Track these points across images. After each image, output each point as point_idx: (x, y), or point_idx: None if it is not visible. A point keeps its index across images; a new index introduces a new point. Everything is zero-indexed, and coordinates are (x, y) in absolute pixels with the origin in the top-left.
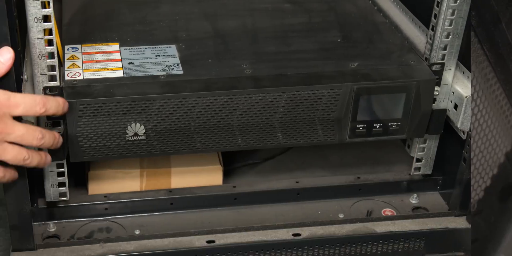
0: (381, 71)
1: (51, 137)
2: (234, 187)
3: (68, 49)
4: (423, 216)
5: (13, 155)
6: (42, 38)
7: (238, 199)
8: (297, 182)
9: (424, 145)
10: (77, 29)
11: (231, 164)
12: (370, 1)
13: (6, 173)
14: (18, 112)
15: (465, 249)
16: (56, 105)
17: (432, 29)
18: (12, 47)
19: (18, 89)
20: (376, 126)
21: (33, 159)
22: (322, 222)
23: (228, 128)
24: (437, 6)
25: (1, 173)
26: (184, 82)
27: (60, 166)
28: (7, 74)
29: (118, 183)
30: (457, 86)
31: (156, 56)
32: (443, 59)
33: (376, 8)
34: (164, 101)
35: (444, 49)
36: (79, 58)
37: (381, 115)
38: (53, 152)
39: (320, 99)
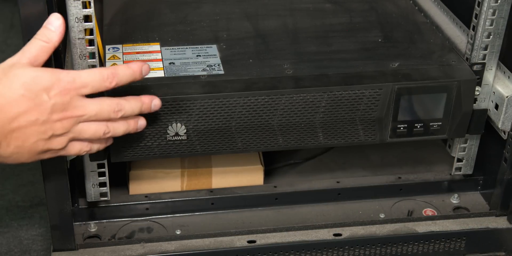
0: (422, 71)
1: (133, 105)
2: (275, 187)
3: (109, 49)
4: (464, 216)
5: (91, 133)
6: (83, 38)
7: (279, 199)
8: (338, 182)
9: (465, 145)
10: (118, 29)
11: (272, 164)
12: (411, 1)
13: (93, 145)
14: (87, 91)
15: (506, 249)
16: (129, 73)
17: (473, 29)
18: None
19: None
20: (417, 126)
21: (116, 130)
22: (363, 222)
23: (269, 128)
24: (478, 6)
25: (85, 147)
26: (225, 82)
27: (101, 166)
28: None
29: (159, 183)
30: (498, 86)
31: (197, 56)
32: (484, 59)
33: (417, 8)
34: (205, 101)
35: (485, 49)
36: (120, 58)
37: (422, 115)
38: (94, 153)
39: (361, 99)
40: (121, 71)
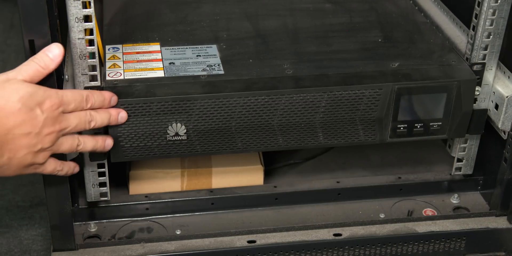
0: (422, 71)
1: (102, 116)
2: (275, 187)
3: (109, 49)
4: (464, 216)
5: (68, 146)
6: (83, 38)
7: (279, 199)
8: (338, 182)
9: (465, 145)
10: (118, 29)
11: (272, 164)
12: (411, 1)
13: (64, 166)
14: (69, 109)
15: (506, 249)
16: (101, 99)
17: (473, 29)
18: None
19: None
20: (417, 126)
21: (86, 144)
22: (363, 222)
23: (269, 128)
24: (478, 6)
25: (58, 167)
26: (225, 82)
27: (101, 166)
28: (48, 74)
29: (159, 183)
30: (498, 86)
31: (197, 56)
32: (484, 59)
33: (417, 8)
34: (205, 101)
35: (485, 49)
36: (120, 58)
37: (422, 115)
38: (94, 152)
39: (361, 99)
40: (95, 95)
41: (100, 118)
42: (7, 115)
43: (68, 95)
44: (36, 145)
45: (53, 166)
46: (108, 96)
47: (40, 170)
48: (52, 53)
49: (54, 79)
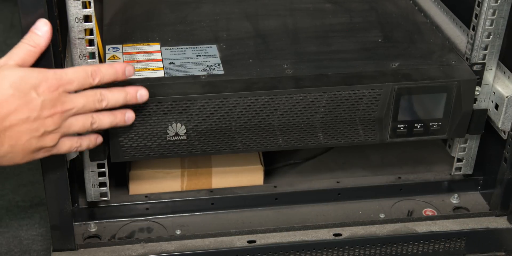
0: (422, 71)
1: (116, 95)
2: (275, 187)
3: (109, 49)
4: (464, 216)
5: (80, 125)
6: (83, 38)
7: (279, 199)
8: (338, 182)
9: (465, 145)
10: (118, 29)
11: (272, 164)
12: (411, 1)
13: (83, 141)
14: (72, 88)
15: (506, 249)
16: (112, 72)
17: (473, 29)
18: (53, 47)
19: None
20: (417, 126)
21: (102, 121)
22: (363, 222)
23: (269, 128)
24: (478, 6)
25: (75, 143)
26: (225, 82)
27: (101, 166)
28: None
29: (159, 183)
30: (498, 86)
31: (197, 56)
32: (484, 59)
33: (417, 8)
34: (205, 101)
35: (485, 49)
36: (120, 58)
37: (422, 115)
38: (94, 152)
39: (361, 99)
40: (103, 69)
41: (113, 97)
42: (1, 103)
43: (69, 73)
44: (38, 129)
45: (68, 145)
46: (120, 67)
47: (54, 152)
48: (41, 30)
49: None
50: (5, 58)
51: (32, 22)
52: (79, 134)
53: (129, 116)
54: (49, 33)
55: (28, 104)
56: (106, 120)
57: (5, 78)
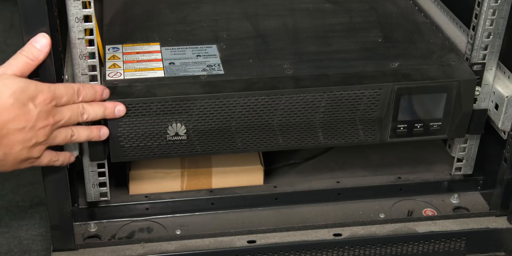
0: (422, 71)
1: (96, 109)
2: (275, 187)
3: (109, 49)
4: (464, 216)
5: (63, 137)
6: (83, 38)
7: (279, 199)
8: (338, 182)
9: (465, 145)
10: (118, 29)
11: (272, 164)
12: (411, 1)
13: (59, 156)
14: (62, 102)
15: (506, 249)
16: (92, 92)
17: (473, 29)
18: (53, 47)
19: None
20: (417, 126)
21: (80, 134)
22: (363, 222)
23: (269, 128)
24: (478, 6)
25: (54, 158)
26: (225, 82)
27: (101, 166)
28: (48, 74)
29: (159, 183)
30: (498, 86)
31: (197, 56)
32: (484, 59)
33: (417, 8)
34: (205, 101)
35: (485, 49)
36: (120, 58)
37: (422, 115)
38: (94, 152)
39: (361, 99)
40: (86, 88)
41: (93, 111)
42: (1, 110)
43: (61, 89)
44: (30, 139)
45: (48, 158)
46: (100, 89)
47: (36, 164)
48: (39, 44)
49: (54, 79)
50: (3, 68)
51: (32, 22)
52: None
53: (103, 132)
54: (47, 47)
55: (25, 115)
56: (83, 134)
57: (6, 87)
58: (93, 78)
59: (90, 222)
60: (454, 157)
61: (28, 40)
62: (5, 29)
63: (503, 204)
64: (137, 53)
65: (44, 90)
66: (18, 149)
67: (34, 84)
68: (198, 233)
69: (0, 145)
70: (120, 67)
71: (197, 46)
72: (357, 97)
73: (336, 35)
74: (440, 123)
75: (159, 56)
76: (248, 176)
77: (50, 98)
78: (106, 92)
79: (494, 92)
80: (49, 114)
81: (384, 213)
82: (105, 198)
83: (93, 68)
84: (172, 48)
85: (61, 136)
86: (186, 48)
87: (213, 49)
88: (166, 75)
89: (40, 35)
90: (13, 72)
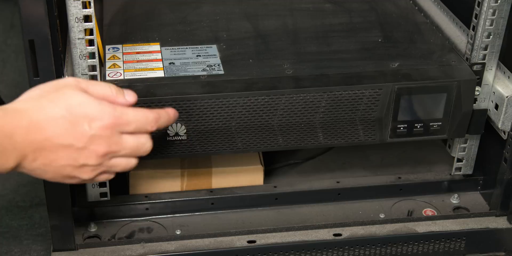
0: (422, 71)
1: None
2: (275, 187)
3: (109, 49)
4: (464, 216)
5: (122, 168)
6: (83, 38)
7: (279, 199)
8: (338, 182)
9: (465, 145)
10: (118, 29)
11: (272, 164)
12: (411, 1)
13: (111, 175)
14: (129, 130)
15: (506, 249)
16: (167, 120)
17: (473, 29)
18: (53, 46)
19: None
20: (417, 126)
21: (133, 163)
22: (363, 222)
23: (269, 128)
24: (478, 6)
25: (109, 177)
26: (225, 82)
27: None
28: (48, 74)
29: (159, 183)
30: (498, 86)
31: (197, 56)
32: (484, 59)
33: (416, 8)
34: (205, 101)
35: (485, 49)
36: (120, 58)
37: (422, 115)
38: None
39: (361, 99)
40: (163, 117)
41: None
42: (49, 120)
43: (129, 115)
44: (77, 159)
45: (104, 178)
46: (173, 115)
47: (87, 182)
48: (129, 96)
49: (54, 79)
50: (81, 79)
51: (32, 22)
52: None
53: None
54: (131, 101)
55: (75, 133)
56: (135, 162)
57: (63, 97)
58: (93, 78)
59: (90, 222)
60: (454, 157)
61: (29, 40)
62: (5, 29)
63: (503, 204)
64: (137, 53)
65: (106, 113)
66: (60, 164)
67: (97, 103)
68: (198, 233)
69: (39, 155)
70: (120, 67)
71: (197, 46)
72: (357, 97)
73: (336, 35)
74: (440, 123)
75: (159, 56)
76: (248, 176)
77: (112, 124)
78: (176, 116)
79: (494, 92)
80: (107, 141)
81: (384, 213)
82: (105, 198)
83: (93, 68)
84: (172, 48)
85: (121, 166)
86: (186, 48)
87: (213, 49)
88: (166, 75)
89: (131, 92)
90: (86, 86)
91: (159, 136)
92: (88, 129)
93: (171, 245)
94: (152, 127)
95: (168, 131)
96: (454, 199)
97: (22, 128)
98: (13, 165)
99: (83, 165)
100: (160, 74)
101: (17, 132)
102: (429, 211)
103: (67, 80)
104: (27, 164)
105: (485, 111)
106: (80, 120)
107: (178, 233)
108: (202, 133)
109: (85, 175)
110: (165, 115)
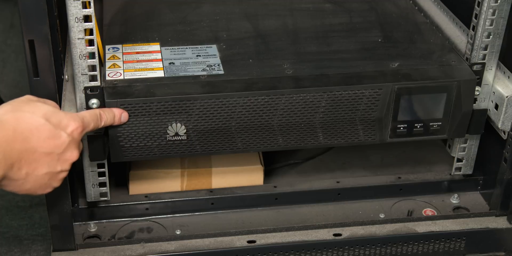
0: (422, 71)
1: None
2: (275, 187)
3: (109, 49)
4: (464, 216)
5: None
6: (82, 38)
7: (279, 199)
8: (338, 182)
9: (464, 145)
10: (117, 29)
11: (272, 164)
12: (411, 1)
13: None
14: (89, 129)
15: (506, 249)
16: (111, 116)
17: (473, 29)
18: (53, 46)
19: (59, 89)
20: (417, 126)
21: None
22: (363, 222)
23: (269, 128)
24: (478, 6)
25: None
26: (225, 82)
27: (101, 166)
28: (47, 74)
29: (159, 183)
30: (498, 86)
31: (197, 56)
32: (484, 59)
33: (416, 8)
34: (205, 101)
35: (485, 49)
36: (119, 58)
37: (422, 115)
38: (94, 152)
39: (361, 99)
40: (106, 113)
41: (108, 123)
42: (31, 129)
43: (87, 117)
44: (55, 166)
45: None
46: (118, 113)
47: (50, 190)
48: (120, 116)
49: (54, 79)
50: (51, 103)
51: (32, 22)
52: None
53: None
54: (115, 120)
55: (56, 140)
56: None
57: (38, 108)
58: (93, 78)
59: (90, 222)
60: (454, 157)
61: (29, 40)
62: (5, 29)
63: (503, 204)
64: (137, 53)
65: (74, 118)
66: (42, 172)
67: (63, 112)
68: (198, 233)
69: (24, 164)
70: (120, 67)
71: (197, 46)
72: (357, 97)
73: (336, 35)
74: (440, 123)
75: (159, 56)
76: (248, 176)
77: (81, 128)
78: (125, 116)
79: (494, 92)
80: (78, 145)
81: (384, 213)
82: (105, 198)
83: (93, 68)
84: (172, 48)
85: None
86: (186, 48)
87: (213, 49)
88: (166, 75)
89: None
90: (50, 103)
91: (159, 136)
92: (66, 136)
93: (171, 245)
94: (101, 123)
95: (168, 131)
96: (454, 199)
97: (7, 139)
98: (0, 176)
99: (60, 171)
100: (160, 74)
101: (3, 143)
102: (429, 211)
103: (25, 96)
104: (12, 174)
105: (485, 111)
106: (57, 127)
107: (178, 233)
108: (202, 133)
109: (57, 182)
110: (108, 111)
